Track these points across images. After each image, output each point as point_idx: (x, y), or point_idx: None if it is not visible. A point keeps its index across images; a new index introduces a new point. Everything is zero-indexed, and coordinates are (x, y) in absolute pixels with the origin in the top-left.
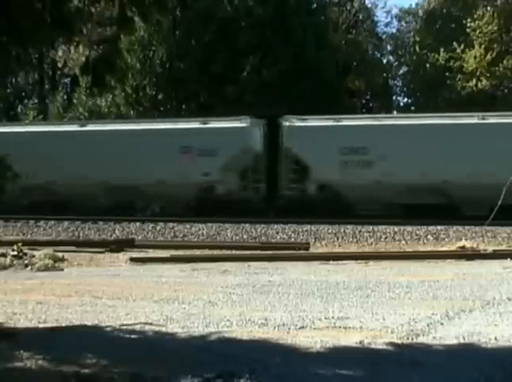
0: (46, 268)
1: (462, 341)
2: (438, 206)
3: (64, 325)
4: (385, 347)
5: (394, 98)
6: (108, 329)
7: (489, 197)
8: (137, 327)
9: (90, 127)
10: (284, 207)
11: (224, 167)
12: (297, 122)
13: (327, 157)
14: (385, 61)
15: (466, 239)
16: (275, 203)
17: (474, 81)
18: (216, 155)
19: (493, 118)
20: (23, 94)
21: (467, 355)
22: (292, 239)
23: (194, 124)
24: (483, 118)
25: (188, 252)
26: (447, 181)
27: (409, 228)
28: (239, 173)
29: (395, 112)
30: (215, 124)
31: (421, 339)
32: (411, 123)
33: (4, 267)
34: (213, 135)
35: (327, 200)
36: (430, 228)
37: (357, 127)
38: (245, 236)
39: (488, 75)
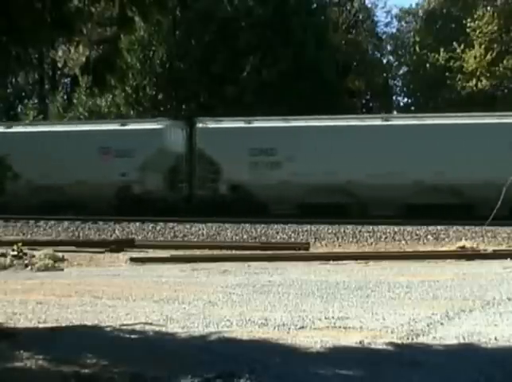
0: (46, 268)
1: (462, 341)
2: (345, 205)
3: (63, 325)
4: (385, 347)
5: (394, 98)
6: (108, 329)
7: (395, 197)
8: (137, 327)
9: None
10: (197, 207)
11: (141, 167)
12: (210, 124)
13: (237, 158)
14: (385, 61)
15: (466, 239)
16: (190, 203)
17: (474, 81)
18: (134, 156)
19: (396, 120)
20: (23, 94)
21: (467, 355)
22: (292, 239)
23: (113, 126)
24: (386, 120)
25: (188, 252)
26: (351, 181)
27: (409, 228)
28: (159, 174)
29: (395, 112)
30: (133, 126)
31: (421, 339)
32: (318, 125)
33: (4, 267)
34: (131, 136)
35: (239, 200)
36: (430, 227)
37: (266, 129)
38: (245, 236)
39: (488, 75)
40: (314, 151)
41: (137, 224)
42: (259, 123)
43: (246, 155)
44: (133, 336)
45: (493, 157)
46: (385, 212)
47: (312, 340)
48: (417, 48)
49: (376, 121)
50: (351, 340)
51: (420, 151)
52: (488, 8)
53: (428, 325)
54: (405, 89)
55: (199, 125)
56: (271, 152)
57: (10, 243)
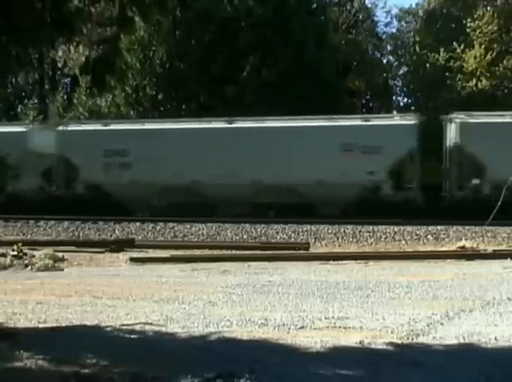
0: (46, 268)
1: (462, 341)
2: (197, 204)
3: (63, 325)
4: (385, 347)
5: (394, 98)
6: (108, 329)
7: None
8: (137, 327)
9: None
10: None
11: None
12: (71, 127)
13: (93, 159)
14: (385, 61)
15: (466, 239)
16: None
17: (474, 81)
18: None
19: (240, 123)
20: (23, 94)
21: (467, 355)
22: (292, 239)
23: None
24: (230, 123)
25: (188, 252)
26: (196, 181)
27: (409, 228)
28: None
29: (395, 112)
30: None
31: (421, 339)
32: (166, 128)
33: (4, 267)
34: None
35: (96, 199)
36: (430, 228)
37: (118, 131)
38: (245, 236)
39: (488, 75)
40: (162, 153)
41: (137, 224)
42: (113, 126)
43: (101, 156)
44: (133, 336)
45: (324, 158)
46: (232, 211)
47: (312, 340)
48: (417, 48)
49: (220, 124)
50: (351, 340)
51: (261, 152)
52: (488, 8)
53: (428, 325)
54: (405, 89)
55: (60, 128)
56: (123, 153)
57: (10, 243)
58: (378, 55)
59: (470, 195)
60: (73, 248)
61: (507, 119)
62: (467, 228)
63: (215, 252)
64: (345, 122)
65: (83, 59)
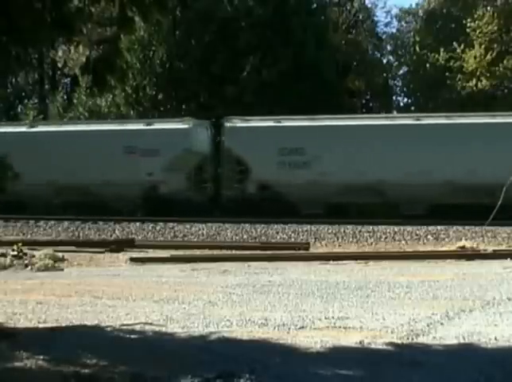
0: (46, 268)
1: (462, 341)
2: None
3: (64, 325)
4: (385, 347)
5: (394, 98)
6: (108, 329)
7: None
8: (137, 327)
9: None
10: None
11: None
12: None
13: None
14: (385, 61)
15: (466, 239)
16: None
17: (474, 81)
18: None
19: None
20: (23, 94)
21: (467, 355)
22: (292, 239)
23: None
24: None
25: (188, 252)
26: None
27: (409, 228)
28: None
29: (395, 112)
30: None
31: (421, 339)
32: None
33: (4, 267)
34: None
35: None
36: (430, 228)
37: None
38: (245, 236)
39: (488, 75)
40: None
41: (137, 224)
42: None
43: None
44: (133, 336)
45: (110, 159)
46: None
47: (312, 340)
48: (417, 48)
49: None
50: (351, 340)
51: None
52: (488, 8)
53: (428, 325)
54: (405, 89)
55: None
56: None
57: (10, 243)
58: (378, 55)
59: (238, 194)
60: (73, 248)
61: (269, 123)
62: (467, 228)
63: (215, 252)
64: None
65: (84, 59)
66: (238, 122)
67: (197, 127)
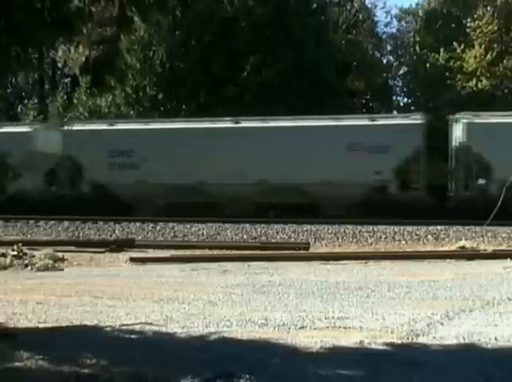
0: (46, 268)
1: (462, 341)
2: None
3: (64, 325)
4: (385, 347)
5: (394, 98)
6: (108, 329)
7: None
8: (137, 327)
9: None
10: None
11: None
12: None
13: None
14: (385, 61)
15: (466, 239)
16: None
17: (474, 81)
18: None
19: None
20: (23, 94)
21: (467, 355)
22: (292, 239)
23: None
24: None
25: (188, 252)
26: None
27: (409, 228)
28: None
29: (395, 112)
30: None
31: (421, 339)
32: None
33: (4, 267)
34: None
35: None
36: (430, 228)
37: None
38: (245, 236)
39: (488, 75)
40: None
41: (137, 224)
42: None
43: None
44: (133, 336)
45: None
46: None
47: (312, 340)
48: (417, 48)
49: None
50: (351, 340)
51: None
52: (488, 8)
53: (428, 325)
54: (405, 89)
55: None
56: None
57: (10, 243)
58: (378, 55)
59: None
60: (73, 248)
61: (101, 127)
62: (467, 228)
63: (215, 252)
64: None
65: (83, 59)
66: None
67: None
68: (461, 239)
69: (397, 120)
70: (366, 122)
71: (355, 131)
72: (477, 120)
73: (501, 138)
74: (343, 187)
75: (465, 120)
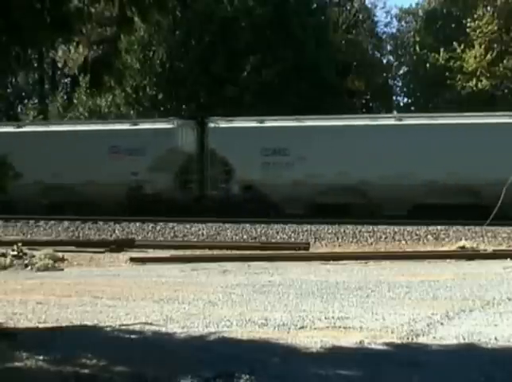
0: (46, 268)
1: (462, 341)
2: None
3: (64, 325)
4: (385, 347)
5: (394, 98)
6: (108, 329)
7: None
8: (137, 327)
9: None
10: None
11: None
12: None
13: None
14: (385, 61)
15: (466, 239)
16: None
17: (474, 81)
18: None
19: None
20: (23, 94)
21: (467, 355)
22: (292, 239)
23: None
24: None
25: (188, 252)
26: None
27: (409, 228)
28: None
29: (395, 112)
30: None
31: (421, 339)
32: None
33: (4, 267)
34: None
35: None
36: (430, 228)
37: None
38: (245, 236)
39: (488, 75)
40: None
41: (137, 224)
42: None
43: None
44: (132, 336)
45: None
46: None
47: (312, 340)
48: (417, 48)
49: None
50: (351, 340)
51: None
52: (488, 8)
53: (428, 325)
54: (405, 89)
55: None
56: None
57: (10, 243)
58: (378, 55)
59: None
60: (73, 248)
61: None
62: (467, 228)
63: (215, 252)
64: None
65: (83, 59)
66: (221, 123)
67: None
68: (461, 239)
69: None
70: None
71: None
72: (222, 125)
73: (241, 141)
74: None
75: (212, 124)
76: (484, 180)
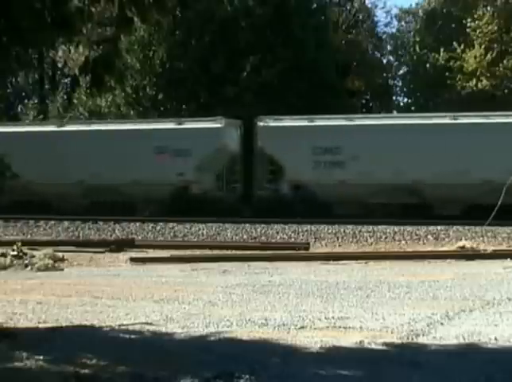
0: (46, 268)
1: (462, 341)
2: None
3: (64, 325)
4: (385, 347)
5: (394, 98)
6: (108, 328)
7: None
8: (137, 327)
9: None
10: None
11: None
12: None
13: None
14: (385, 61)
15: (466, 239)
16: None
17: (474, 81)
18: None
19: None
20: (23, 94)
21: (467, 355)
22: (292, 239)
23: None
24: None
25: (188, 252)
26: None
27: (409, 228)
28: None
29: (395, 112)
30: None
31: (421, 339)
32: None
33: (4, 267)
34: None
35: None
36: (430, 228)
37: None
38: (245, 236)
39: (488, 75)
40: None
41: (137, 224)
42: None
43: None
44: (133, 336)
45: None
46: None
47: (312, 340)
48: (417, 48)
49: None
50: (350, 340)
51: None
52: (488, 8)
53: (428, 325)
54: (405, 89)
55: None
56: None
57: (10, 243)
58: (378, 55)
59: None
60: (73, 248)
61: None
62: (467, 228)
63: (215, 252)
64: None
65: (83, 59)
66: (270, 122)
67: None
68: (461, 239)
69: None
70: None
71: None
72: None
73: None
74: None
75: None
76: None
